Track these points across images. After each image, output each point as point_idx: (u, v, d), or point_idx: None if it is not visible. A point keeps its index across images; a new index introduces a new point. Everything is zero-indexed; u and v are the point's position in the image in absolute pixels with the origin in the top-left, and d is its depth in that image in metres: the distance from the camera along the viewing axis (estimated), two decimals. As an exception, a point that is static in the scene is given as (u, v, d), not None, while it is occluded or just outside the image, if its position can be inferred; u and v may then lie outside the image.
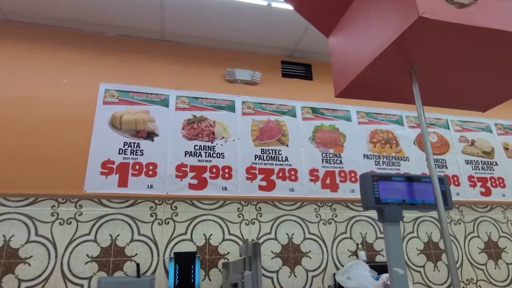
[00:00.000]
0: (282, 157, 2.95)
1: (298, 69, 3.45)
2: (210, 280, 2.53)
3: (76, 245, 2.40)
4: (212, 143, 2.84)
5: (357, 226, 2.98)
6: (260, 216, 2.80)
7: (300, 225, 2.86)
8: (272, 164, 2.90)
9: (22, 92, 2.64)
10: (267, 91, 3.20)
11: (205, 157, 2.78)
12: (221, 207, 2.75)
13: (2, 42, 2.78)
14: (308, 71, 3.47)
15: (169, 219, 2.62)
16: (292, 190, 2.86)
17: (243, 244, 2.54)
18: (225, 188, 2.72)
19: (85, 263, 2.37)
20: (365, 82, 1.26)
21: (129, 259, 2.45)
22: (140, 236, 2.52)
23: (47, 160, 2.49)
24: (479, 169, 3.44)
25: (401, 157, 3.26)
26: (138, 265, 2.39)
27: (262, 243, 2.72)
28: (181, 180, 2.66)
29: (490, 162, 3.51)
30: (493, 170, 3.48)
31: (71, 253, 2.37)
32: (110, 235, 2.48)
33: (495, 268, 3.17)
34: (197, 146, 2.80)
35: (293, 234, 2.82)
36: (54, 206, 2.46)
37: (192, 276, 2.42)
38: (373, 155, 3.19)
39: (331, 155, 3.07)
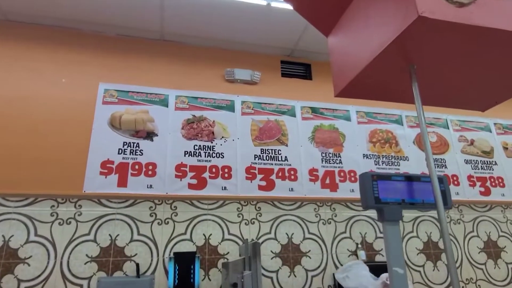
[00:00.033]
0: (281, 157, 2.95)
1: (297, 69, 3.45)
2: (209, 280, 2.53)
3: (76, 245, 2.40)
4: (212, 143, 2.84)
5: (357, 225, 2.98)
6: (259, 216, 2.80)
7: (300, 225, 2.86)
8: (272, 164, 2.90)
9: (21, 92, 2.63)
10: (267, 91, 3.20)
11: (205, 157, 2.78)
12: (220, 207, 2.74)
13: (2, 42, 2.78)
14: (307, 71, 3.47)
15: (168, 219, 2.61)
16: (292, 190, 2.86)
17: (242, 244, 2.54)
18: (225, 188, 2.72)
19: (85, 263, 2.37)
20: (364, 81, 1.26)
21: (128, 259, 2.45)
22: (139, 236, 2.52)
23: (47, 160, 2.49)
24: (479, 169, 3.44)
25: (400, 156, 3.26)
26: (137, 265, 2.39)
27: (262, 243, 2.72)
28: (181, 180, 2.66)
29: (490, 161, 3.51)
30: (493, 169, 3.48)
31: (70, 253, 2.37)
32: (109, 235, 2.47)
33: (495, 268, 3.17)
34: (196, 146, 2.80)
35: (292, 234, 2.82)
36: (53, 206, 2.45)
37: (192, 276, 2.41)
38: (372, 154, 3.19)
39: (330, 155, 3.07)
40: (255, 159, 2.88)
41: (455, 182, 3.31)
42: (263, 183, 2.82)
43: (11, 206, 2.39)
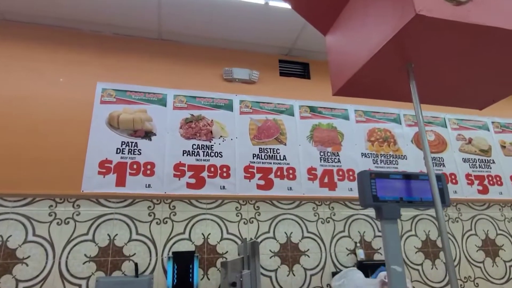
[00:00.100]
0: (280, 156, 2.95)
1: (295, 68, 3.45)
2: (208, 279, 2.53)
3: (74, 245, 2.39)
4: (210, 142, 2.84)
5: (355, 224, 2.99)
6: (258, 215, 2.80)
7: (299, 224, 2.87)
8: (270, 163, 2.90)
9: (19, 92, 2.63)
10: (265, 90, 3.20)
11: (203, 156, 2.77)
12: (219, 206, 2.74)
13: (0, 41, 2.77)
14: (305, 70, 3.47)
15: (167, 219, 2.61)
16: (290, 189, 2.86)
17: (241, 243, 2.54)
18: (223, 187, 2.72)
19: (83, 263, 2.36)
20: (362, 80, 1.26)
21: (127, 259, 2.44)
22: (138, 236, 2.52)
23: (45, 160, 2.48)
24: (477, 167, 3.45)
25: (398, 155, 3.27)
26: (136, 264, 2.38)
27: (261, 242, 2.72)
28: (179, 179, 2.66)
29: (487, 160, 3.52)
30: (490, 168, 3.49)
31: (69, 253, 2.36)
32: (108, 234, 2.47)
33: (493, 266, 3.18)
34: (195, 145, 2.79)
35: (291, 233, 2.82)
36: (51, 206, 2.45)
37: (191, 275, 2.41)
38: (371, 153, 3.19)
39: (329, 154, 3.08)
40: (253, 158, 2.88)
41: (453, 181, 3.32)
42: (262, 182, 2.82)
43: (9, 206, 2.38)
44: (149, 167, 2.63)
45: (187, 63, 3.13)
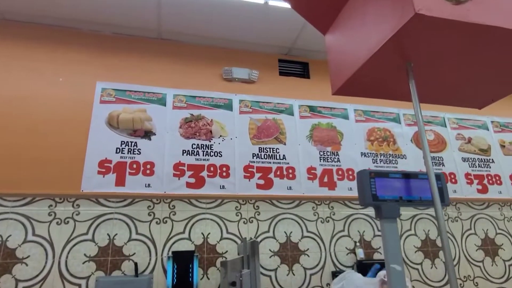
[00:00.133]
0: (279, 155, 2.95)
1: (295, 68, 3.45)
2: (208, 279, 2.53)
3: (74, 245, 2.39)
4: (210, 141, 2.84)
5: (355, 224, 2.99)
6: (258, 215, 2.80)
7: (298, 224, 2.87)
8: (270, 163, 2.90)
9: (19, 92, 2.62)
10: (265, 90, 3.20)
11: (203, 155, 2.77)
12: (219, 206, 2.74)
13: (0, 41, 2.77)
14: (305, 70, 3.47)
15: (167, 218, 2.61)
16: (290, 188, 2.86)
17: (241, 242, 2.54)
18: (223, 187, 2.72)
19: (83, 263, 2.36)
20: (362, 79, 1.26)
21: (127, 259, 2.44)
22: (138, 235, 2.52)
23: (44, 160, 2.48)
24: (476, 167, 3.45)
25: (398, 155, 3.27)
26: (136, 264, 2.38)
27: (260, 241, 2.72)
28: (179, 179, 2.66)
29: (487, 159, 3.53)
30: (490, 167, 3.50)
31: (68, 253, 2.36)
32: (107, 234, 2.47)
33: (492, 265, 3.18)
34: (194, 144, 2.79)
35: (291, 232, 2.82)
36: (51, 205, 2.45)
37: (190, 275, 2.42)
38: (370, 153, 3.19)
39: (328, 153, 3.08)
40: (253, 158, 2.88)
41: (453, 180, 3.32)
42: (261, 181, 2.82)
43: (8, 206, 2.38)
44: (148, 166, 2.63)
45: (187, 63, 3.13)
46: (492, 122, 3.74)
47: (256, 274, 2.26)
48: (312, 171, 2.97)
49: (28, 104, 2.60)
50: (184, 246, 2.56)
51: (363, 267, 2.66)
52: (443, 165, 3.36)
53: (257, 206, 2.83)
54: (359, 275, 2.35)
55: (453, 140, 3.52)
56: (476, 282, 3.07)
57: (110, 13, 2.81)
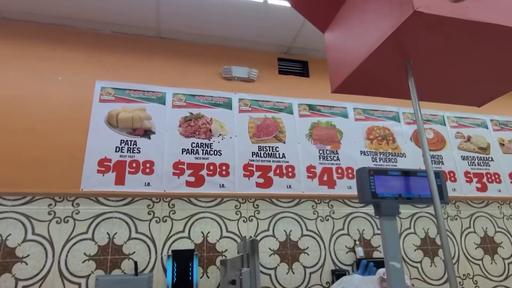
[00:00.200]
0: (279, 154, 2.95)
1: (294, 66, 3.45)
2: (208, 277, 2.53)
3: (74, 244, 2.39)
4: (209, 140, 2.84)
5: (355, 222, 2.99)
6: (257, 213, 2.81)
7: (298, 222, 2.87)
8: (269, 161, 2.90)
9: (17, 91, 2.62)
10: (264, 88, 3.20)
11: (202, 154, 2.78)
12: (218, 205, 2.75)
13: (-3, 40, 2.77)
14: (304, 68, 3.47)
15: (166, 217, 2.61)
16: (290, 187, 2.87)
17: (241, 241, 2.54)
18: (223, 186, 2.72)
19: (83, 262, 2.36)
20: (361, 77, 1.26)
21: (126, 257, 2.45)
22: (137, 234, 2.52)
23: (44, 159, 2.48)
24: (475, 165, 3.46)
25: (397, 153, 3.27)
26: (136, 263, 2.38)
27: (260, 240, 2.72)
28: (178, 178, 2.66)
29: (486, 158, 3.53)
30: (489, 165, 3.50)
31: (68, 252, 2.36)
32: (107, 233, 2.47)
33: (491, 263, 3.19)
34: (194, 143, 2.79)
35: (290, 231, 2.83)
36: (51, 204, 2.45)
37: (190, 273, 2.42)
38: (370, 151, 3.20)
39: (328, 152, 3.08)
40: (252, 157, 2.88)
41: (452, 179, 3.32)
42: (261, 180, 2.82)
43: (8, 205, 2.38)
44: (148, 165, 2.63)
45: (186, 61, 3.13)
46: (491, 120, 3.75)
47: (255, 273, 2.26)
48: (312, 170, 2.97)
49: (27, 103, 2.60)
50: (184, 245, 2.57)
51: (363, 266, 2.66)
52: (443, 163, 3.37)
53: (256, 204, 2.83)
54: (358, 275, 2.35)
55: (453, 139, 3.53)
56: (476, 280, 3.08)
57: (109, 12, 2.81)
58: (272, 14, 2.89)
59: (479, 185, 3.37)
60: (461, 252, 3.15)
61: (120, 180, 2.54)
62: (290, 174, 2.90)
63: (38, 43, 2.82)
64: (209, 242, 2.63)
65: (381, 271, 1.86)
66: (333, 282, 2.68)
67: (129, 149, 2.64)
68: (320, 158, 3.04)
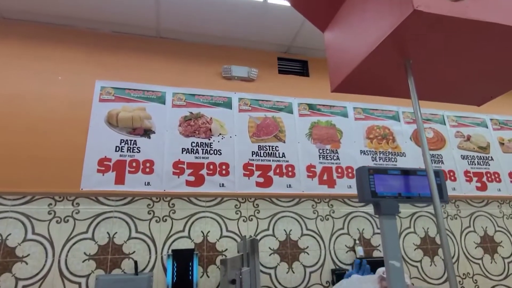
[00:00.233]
0: (279, 153, 2.95)
1: (294, 66, 3.45)
2: (208, 277, 2.53)
3: (74, 243, 2.39)
4: (209, 140, 2.84)
5: (354, 222, 3.00)
6: (257, 213, 2.81)
7: (298, 221, 2.87)
8: (269, 161, 2.90)
9: (17, 91, 2.62)
10: (264, 88, 3.20)
11: (202, 154, 2.78)
12: (218, 204, 2.75)
13: (-3, 40, 2.77)
14: (304, 68, 3.47)
15: (166, 217, 2.62)
16: (290, 186, 2.87)
17: (241, 240, 2.54)
18: (223, 185, 2.72)
19: (83, 261, 2.37)
20: (360, 76, 1.26)
21: (127, 257, 2.45)
22: (137, 234, 2.52)
23: (44, 158, 2.48)
24: (475, 164, 3.46)
25: (397, 152, 3.27)
26: (136, 262, 2.39)
27: (260, 239, 2.72)
28: (178, 177, 2.66)
29: (486, 157, 3.53)
30: (489, 165, 3.50)
31: (68, 251, 2.37)
32: (107, 233, 2.47)
33: (491, 262, 3.19)
34: (194, 143, 2.80)
35: (290, 230, 2.83)
36: (51, 204, 2.45)
37: (190, 273, 2.42)
38: (369, 151, 3.20)
39: (328, 151, 3.08)
40: (252, 156, 2.88)
41: (452, 178, 3.33)
42: (261, 179, 2.82)
43: (8, 204, 2.38)
44: (148, 165, 2.63)
45: (186, 61, 3.13)
46: (491, 119, 3.75)
47: (255, 272, 2.26)
48: (312, 169, 2.97)
49: (27, 103, 2.60)
50: (184, 244, 2.57)
51: (363, 265, 2.66)
52: (442, 162, 3.37)
53: (256, 204, 2.83)
54: (356, 275, 2.35)
55: (452, 138, 3.53)
56: (475, 280, 3.08)
57: (109, 11, 2.80)
58: (271, 13, 2.89)
59: (479, 184, 3.37)
60: (461, 251, 3.16)
61: (120, 180, 2.54)
62: (290, 173, 2.91)
63: (38, 43, 2.82)
64: (209, 241, 2.63)
65: (381, 270, 1.86)
66: (333, 281, 2.69)
67: (129, 148, 2.65)
68: (320, 157, 3.04)
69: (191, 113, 2.90)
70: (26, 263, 2.28)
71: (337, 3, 1.33)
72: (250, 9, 2.84)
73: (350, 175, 3.04)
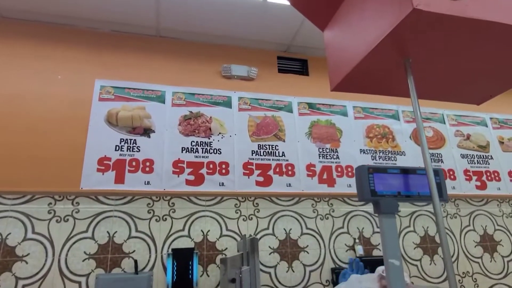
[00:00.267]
0: (279, 152, 2.95)
1: (294, 65, 3.45)
2: (208, 276, 2.54)
3: (74, 243, 2.40)
4: (209, 139, 2.84)
5: (354, 220, 3.00)
6: (257, 212, 2.81)
7: (298, 220, 2.87)
8: (269, 160, 2.90)
9: (17, 90, 2.62)
10: (264, 87, 3.20)
11: (202, 153, 2.78)
12: (218, 203, 2.75)
13: (-4, 39, 2.76)
14: (304, 67, 3.47)
15: (166, 216, 2.62)
16: (289, 185, 2.87)
17: (240, 239, 2.55)
18: (222, 184, 2.73)
19: (83, 260, 2.37)
20: (360, 75, 1.26)
21: (127, 256, 2.45)
22: (137, 233, 2.52)
23: (43, 158, 2.48)
24: (475, 163, 3.46)
25: (397, 151, 3.27)
26: (136, 261, 2.39)
27: (260, 238, 2.73)
28: (178, 176, 2.66)
29: (486, 156, 3.53)
30: (489, 164, 3.50)
31: (68, 251, 2.37)
32: (107, 232, 2.47)
33: (491, 261, 3.20)
34: (193, 142, 2.80)
35: (290, 229, 2.83)
36: (51, 203, 2.45)
37: (190, 272, 2.42)
38: (369, 150, 3.20)
39: (327, 150, 3.08)
40: (252, 155, 2.88)
41: (452, 177, 3.33)
42: (261, 178, 2.82)
43: (8, 204, 2.39)
44: (148, 164, 2.64)
45: (186, 60, 3.12)
46: (491, 118, 3.75)
47: (255, 271, 2.27)
48: (311, 168, 2.97)
49: (27, 102, 2.60)
50: (184, 243, 2.57)
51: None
52: (442, 161, 3.37)
53: (256, 203, 2.83)
54: (355, 275, 2.36)
55: (452, 137, 3.53)
56: (475, 278, 3.08)
57: (108, 10, 2.80)
58: (271, 12, 2.89)
59: (478, 183, 3.37)
60: (460, 250, 3.16)
61: (120, 179, 2.54)
62: (289, 172, 2.91)
63: (37, 42, 2.82)
64: (209, 240, 2.63)
65: (380, 268, 1.86)
66: (332, 280, 2.69)
67: (129, 147, 2.65)
68: (319, 156, 3.04)
69: (190, 112, 2.90)
70: (26, 263, 2.29)
71: (336, 2, 1.33)
72: (250, 8, 2.84)
73: (349, 174, 3.04)
